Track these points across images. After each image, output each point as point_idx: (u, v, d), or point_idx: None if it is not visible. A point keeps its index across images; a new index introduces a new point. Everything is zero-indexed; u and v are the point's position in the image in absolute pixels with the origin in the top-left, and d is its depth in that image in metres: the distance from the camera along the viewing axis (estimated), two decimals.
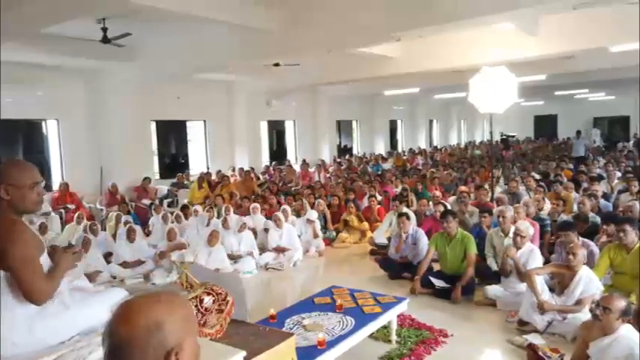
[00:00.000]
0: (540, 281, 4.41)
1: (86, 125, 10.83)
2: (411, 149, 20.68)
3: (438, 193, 9.08)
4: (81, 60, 9.40)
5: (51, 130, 10.84)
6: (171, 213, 8.35)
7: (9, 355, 2.12)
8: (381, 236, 7.37)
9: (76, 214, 8.00)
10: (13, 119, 10.17)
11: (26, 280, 2.04)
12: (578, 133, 17.71)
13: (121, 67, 10.11)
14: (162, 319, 1.06)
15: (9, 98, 9.46)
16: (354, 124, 21.48)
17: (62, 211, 9.16)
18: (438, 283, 5.30)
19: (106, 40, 7.46)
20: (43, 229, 7.15)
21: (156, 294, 1.13)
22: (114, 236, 7.43)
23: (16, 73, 9.34)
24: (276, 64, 10.12)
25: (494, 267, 5.41)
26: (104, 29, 7.38)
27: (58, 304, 2.27)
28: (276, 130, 17.76)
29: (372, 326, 3.85)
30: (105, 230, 7.81)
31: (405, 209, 7.17)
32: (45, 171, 10.83)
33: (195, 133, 14.24)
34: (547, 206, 7.08)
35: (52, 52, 8.65)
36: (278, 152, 17.58)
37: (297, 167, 15.21)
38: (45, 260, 2.23)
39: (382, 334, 4.23)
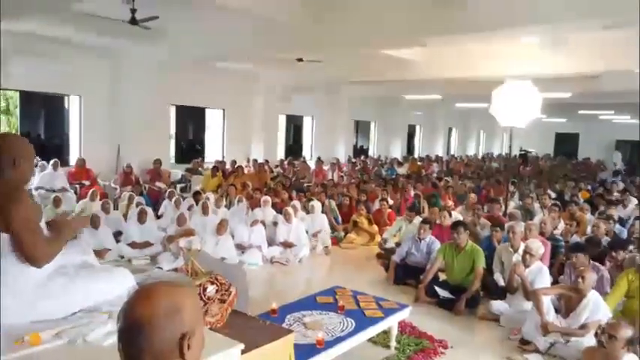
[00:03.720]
0: (547, 301, 4.35)
1: (107, 104, 10.95)
2: (427, 156, 20.55)
3: (450, 202, 9.00)
4: (108, 39, 9.49)
5: (73, 105, 10.98)
6: (183, 198, 8.42)
7: (9, 323, 2.15)
8: (389, 239, 7.34)
9: (91, 191, 8.10)
10: (36, 92, 10.35)
11: (28, 241, 2.10)
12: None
13: (146, 50, 10.20)
14: (180, 304, 1.13)
15: (34, 71, 9.62)
16: (372, 125, 21.42)
17: (77, 186, 9.29)
18: (443, 293, 5.26)
19: (134, 21, 7.51)
20: (56, 202, 7.25)
21: (173, 281, 1.20)
22: (125, 216, 7.51)
23: (42, 47, 9.48)
24: (300, 60, 10.12)
25: (501, 282, 5.35)
26: (133, 10, 7.43)
27: (63, 277, 2.30)
28: (294, 125, 17.80)
29: (373, 330, 3.83)
30: (117, 209, 7.90)
31: (418, 219, 7.12)
32: (64, 145, 10.99)
33: (213, 120, 14.32)
34: (561, 226, 6.98)
35: (81, 28, 8.73)
36: (294, 147, 17.61)
37: (311, 164, 15.21)
38: (43, 227, 2.29)
39: (382, 339, 4.21)
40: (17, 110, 10.75)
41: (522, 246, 5.14)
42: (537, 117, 7.25)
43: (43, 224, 2.30)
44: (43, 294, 2.21)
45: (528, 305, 4.59)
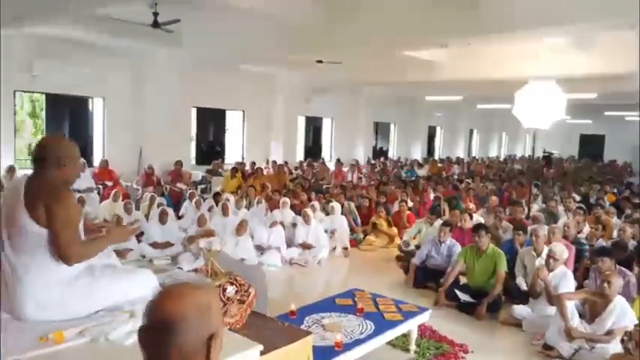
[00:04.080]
0: (571, 306, 4.25)
1: (130, 106, 11.13)
2: (448, 157, 20.34)
3: (472, 205, 8.87)
4: (130, 42, 9.65)
5: (97, 107, 11.19)
6: (204, 199, 8.48)
7: (36, 319, 2.20)
8: (410, 242, 7.28)
9: (113, 192, 8.23)
10: (62, 94, 10.58)
11: (63, 239, 2.17)
12: None
13: (168, 53, 10.34)
14: (209, 304, 1.15)
15: (59, 74, 9.84)
16: (391, 126, 21.31)
17: (100, 187, 9.45)
18: (464, 297, 5.19)
19: (156, 24, 7.62)
20: (80, 202, 7.39)
21: (200, 282, 1.23)
22: (147, 216, 7.60)
23: (67, 50, 9.70)
24: (319, 61, 10.13)
25: (524, 286, 5.25)
26: (155, 14, 7.54)
27: (88, 277, 2.34)
28: (313, 127, 17.81)
29: (392, 333, 3.80)
30: (139, 210, 8.00)
31: (438, 221, 7.05)
32: (88, 147, 11.21)
33: (233, 122, 14.43)
34: (586, 229, 6.82)
35: (104, 32, 8.90)
36: (313, 149, 17.62)
37: (330, 165, 15.20)
38: (80, 228, 2.35)
39: (401, 342, 4.18)
40: (43, 113, 11.00)
41: (546, 250, 5.05)
42: (561, 118, 7.11)
43: (80, 226, 2.35)
44: (69, 292, 2.25)
45: (552, 310, 4.49)
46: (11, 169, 8.78)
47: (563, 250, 4.83)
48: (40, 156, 2.27)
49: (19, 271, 2.20)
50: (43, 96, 10.63)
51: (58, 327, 2.12)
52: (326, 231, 7.48)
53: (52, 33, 8.89)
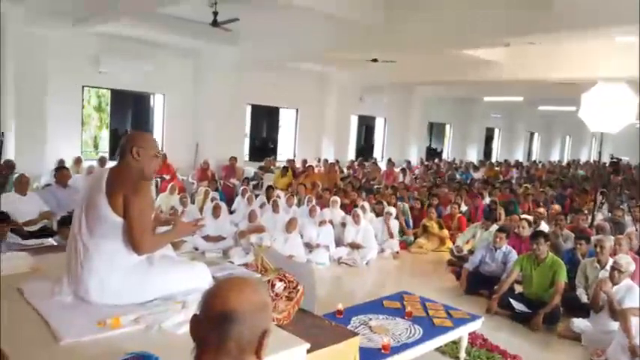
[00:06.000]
0: (636, 323, 3.98)
1: (188, 102, 11.51)
2: (506, 160, 19.61)
3: (542, 209, 8.43)
4: (190, 40, 9.96)
5: (157, 103, 11.64)
6: (256, 195, 8.62)
7: (96, 300, 2.31)
8: (463, 246, 7.08)
9: (170, 185, 8.52)
10: (125, 90, 11.10)
11: (137, 229, 2.28)
12: None
13: (225, 51, 10.58)
14: (267, 301, 1.19)
15: (124, 71, 10.31)
16: (447, 127, 20.82)
17: (158, 180, 9.82)
18: (518, 306, 4.98)
19: (215, 23, 7.80)
20: None
21: (255, 279, 1.25)
22: (201, 210, 7.82)
23: (131, 48, 10.14)
24: (374, 60, 10.04)
25: (584, 299, 4.98)
26: (215, 13, 7.72)
27: (147, 265, 2.44)
28: (366, 126, 17.70)
29: (441, 339, 3.70)
30: (194, 203, 8.25)
31: (494, 226, 6.79)
32: None
33: (286, 120, 14.59)
34: None
35: (165, 30, 9.23)
36: (365, 148, 17.52)
37: (382, 165, 15.05)
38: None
39: (450, 350, 4.06)
40: (108, 107, 11.58)
41: (610, 261, 4.75)
42: (632, 122, 6.67)
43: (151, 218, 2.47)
44: (128, 278, 2.35)
45: (614, 325, 4.23)
46: (78, 160, 9.31)
47: (629, 263, 4.52)
48: (119, 148, 2.41)
49: (90, 250, 2.33)
50: (109, 91, 11.18)
51: (116, 312, 2.21)
52: (376, 235, 7.40)
53: (117, 32, 9.33)
